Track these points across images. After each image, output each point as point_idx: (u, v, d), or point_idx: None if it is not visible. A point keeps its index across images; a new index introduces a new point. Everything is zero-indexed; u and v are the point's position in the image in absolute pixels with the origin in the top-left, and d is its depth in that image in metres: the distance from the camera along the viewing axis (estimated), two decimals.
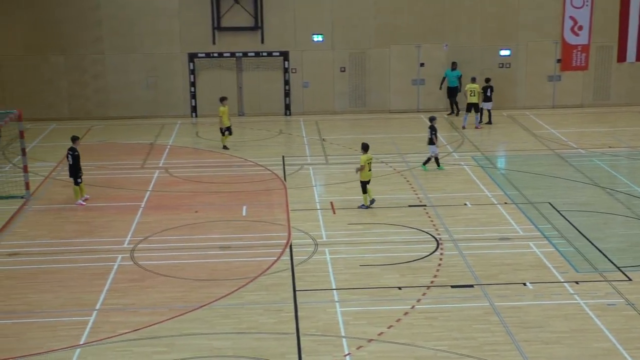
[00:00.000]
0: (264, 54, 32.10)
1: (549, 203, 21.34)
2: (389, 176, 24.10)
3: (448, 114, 32.01)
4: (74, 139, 22.28)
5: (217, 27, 31.73)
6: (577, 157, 25.86)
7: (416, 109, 32.66)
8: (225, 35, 31.90)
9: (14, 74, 31.45)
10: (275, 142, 28.63)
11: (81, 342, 14.27)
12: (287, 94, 32.47)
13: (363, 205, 21.21)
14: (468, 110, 29.85)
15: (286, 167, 25.24)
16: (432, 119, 24.70)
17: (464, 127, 29.63)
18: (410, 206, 21.34)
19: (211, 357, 13.77)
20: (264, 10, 31.68)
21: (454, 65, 31.61)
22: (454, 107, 31.93)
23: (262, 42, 31.95)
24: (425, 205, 21.36)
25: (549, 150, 26.90)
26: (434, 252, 18.21)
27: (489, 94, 30.21)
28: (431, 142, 24.20)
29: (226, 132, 27.18)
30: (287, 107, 32.54)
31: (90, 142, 28.67)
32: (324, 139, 28.70)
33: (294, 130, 30.36)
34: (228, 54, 32.04)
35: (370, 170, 21.09)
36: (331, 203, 21.65)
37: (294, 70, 32.32)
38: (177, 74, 32.08)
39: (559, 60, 32.80)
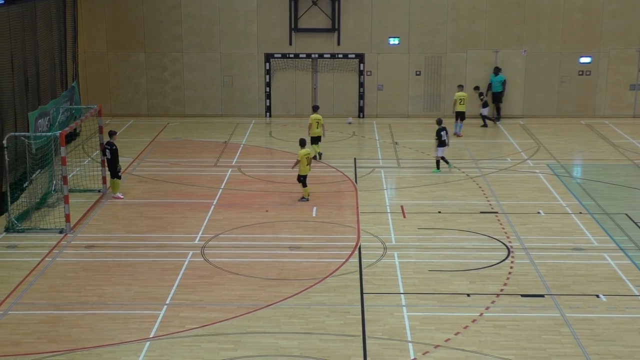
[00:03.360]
0: (340, 55, 32.16)
1: (626, 214, 20.82)
2: (461, 182, 23.86)
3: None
4: (112, 133, 22.61)
5: (294, 28, 31.93)
6: None
7: (492, 115, 32.20)
8: (302, 37, 32.09)
9: (96, 71, 32.26)
10: (347, 144, 28.64)
11: (151, 335, 14.56)
12: (361, 96, 32.46)
13: (303, 198, 22.03)
14: (457, 118, 29.36)
15: (358, 169, 25.23)
16: (439, 122, 24.88)
17: (458, 135, 29.18)
18: (481, 212, 21.10)
19: (277, 356, 13.86)
20: (341, 12, 31.75)
21: (496, 71, 31.18)
22: (496, 112, 31.66)
23: (339, 44, 32.01)
24: (497, 212, 21.08)
25: (627, 160, 26.22)
26: (504, 260, 17.96)
27: (484, 99, 30.43)
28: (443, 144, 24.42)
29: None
30: (361, 109, 32.52)
31: (165, 139, 29.23)
32: (396, 143, 28.59)
33: (367, 132, 30.32)
34: (304, 55, 32.21)
35: (308, 164, 21.94)
36: (401, 207, 21.56)
37: (369, 73, 32.29)
38: (252, 74, 32.40)
39: None
